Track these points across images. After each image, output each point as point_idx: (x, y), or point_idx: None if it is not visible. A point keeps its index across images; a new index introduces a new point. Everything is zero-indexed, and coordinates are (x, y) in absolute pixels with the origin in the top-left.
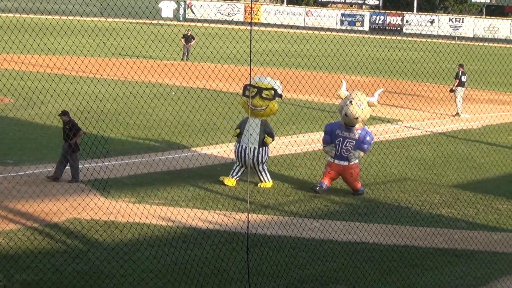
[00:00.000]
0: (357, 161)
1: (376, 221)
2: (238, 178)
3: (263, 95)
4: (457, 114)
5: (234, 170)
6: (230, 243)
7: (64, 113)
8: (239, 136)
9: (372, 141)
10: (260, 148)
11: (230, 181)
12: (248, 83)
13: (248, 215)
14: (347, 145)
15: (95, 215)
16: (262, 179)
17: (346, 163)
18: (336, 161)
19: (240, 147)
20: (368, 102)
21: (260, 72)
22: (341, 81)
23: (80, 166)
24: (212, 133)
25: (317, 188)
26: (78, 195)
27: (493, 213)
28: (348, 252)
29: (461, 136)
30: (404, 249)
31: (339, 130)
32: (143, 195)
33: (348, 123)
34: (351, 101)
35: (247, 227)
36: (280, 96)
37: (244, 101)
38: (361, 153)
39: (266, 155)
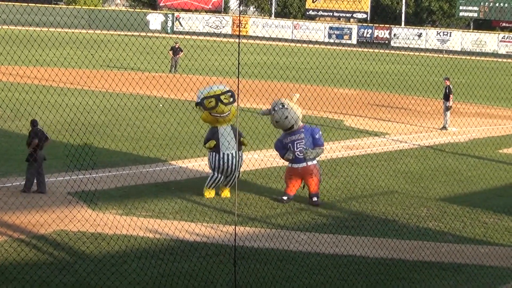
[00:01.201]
0: (315, 162)
1: (363, 234)
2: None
3: (223, 100)
4: (444, 127)
5: (212, 181)
6: (217, 255)
7: (31, 122)
8: (215, 146)
9: (320, 132)
10: (239, 152)
11: (211, 193)
12: (199, 99)
13: (235, 227)
14: (298, 146)
15: (82, 227)
16: (230, 185)
17: (304, 164)
18: (295, 165)
19: (221, 155)
20: (289, 104)
21: (222, 82)
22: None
23: (67, 178)
24: (200, 146)
25: (285, 199)
26: (65, 207)
27: (480, 226)
28: (335, 265)
29: (448, 150)
30: (391, 262)
31: (285, 138)
32: (130, 207)
33: (281, 127)
34: (274, 109)
35: (234, 239)
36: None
37: (205, 115)
38: (320, 150)
39: (242, 160)
